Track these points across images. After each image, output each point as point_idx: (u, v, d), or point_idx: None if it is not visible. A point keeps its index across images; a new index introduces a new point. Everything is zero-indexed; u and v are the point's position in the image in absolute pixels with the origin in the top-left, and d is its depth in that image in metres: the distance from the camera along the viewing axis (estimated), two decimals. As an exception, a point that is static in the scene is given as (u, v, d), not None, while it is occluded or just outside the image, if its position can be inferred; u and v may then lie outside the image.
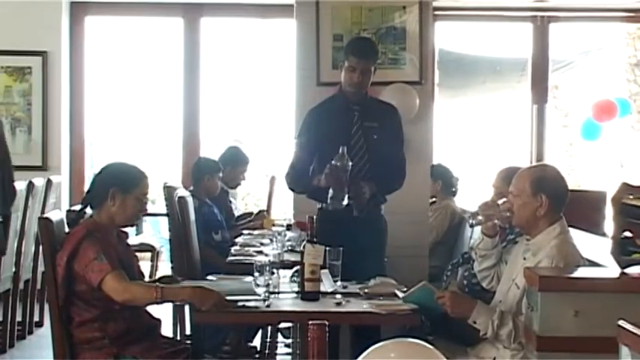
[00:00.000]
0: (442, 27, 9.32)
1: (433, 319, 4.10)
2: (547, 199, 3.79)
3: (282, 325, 6.06)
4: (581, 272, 3.68)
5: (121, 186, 4.11)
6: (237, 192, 8.17)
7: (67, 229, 4.22)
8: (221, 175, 6.85)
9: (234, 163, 7.27)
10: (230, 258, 5.46)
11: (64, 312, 3.99)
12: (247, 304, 3.90)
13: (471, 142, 11.79)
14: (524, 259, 3.88)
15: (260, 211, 7.75)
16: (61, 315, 4.00)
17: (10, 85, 8.83)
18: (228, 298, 3.92)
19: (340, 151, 4.82)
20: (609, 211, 3.76)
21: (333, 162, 4.88)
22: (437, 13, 7.61)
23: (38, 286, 7.37)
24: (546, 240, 3.79)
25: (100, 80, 10.00)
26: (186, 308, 5.30)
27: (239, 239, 6.30)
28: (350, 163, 4.86)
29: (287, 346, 6.28)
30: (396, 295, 4.13)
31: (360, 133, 5.20)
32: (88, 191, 4.20)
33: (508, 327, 3.68)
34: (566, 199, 3.90)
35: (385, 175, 5.27)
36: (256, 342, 6.22)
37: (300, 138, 5.38)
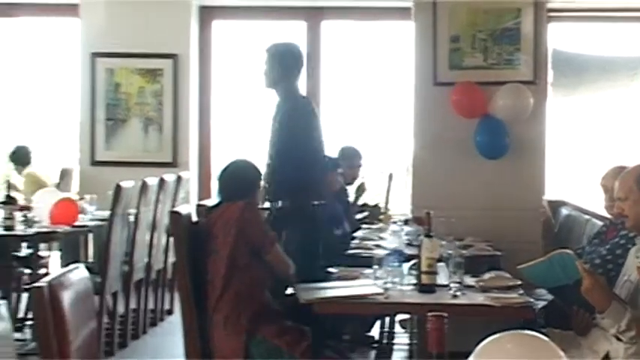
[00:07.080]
0: (556, 27, 9.33)
1: (555, 288, 4.07)
2: None
3: (399, 317, 6.25)
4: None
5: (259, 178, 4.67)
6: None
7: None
8: (340, 170, 7.07)
9: (350, 159, 7.49)
10: (350, 251, 5.57)
11: (222, 290, 4.29)
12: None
13: (585, 140, 11.69)
14: (638, 257, 3.76)
15: (375, 205, 8.00)
16: (191, 300, 4.25)
17: (143, 86, 9.12)
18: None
19: None
20: None
21: None
22: (551, 14, 7.65)
23: (169, 276, 7.67)
24: None
25: (226, 81, 10.28)
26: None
27: (358, 233, 6.49)
28: None
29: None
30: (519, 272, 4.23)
31: None
32: (239, 188, 4.56)
33: (631, 332, 3.51)
34: None
35: None
36: (374, 332, 6.41)
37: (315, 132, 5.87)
